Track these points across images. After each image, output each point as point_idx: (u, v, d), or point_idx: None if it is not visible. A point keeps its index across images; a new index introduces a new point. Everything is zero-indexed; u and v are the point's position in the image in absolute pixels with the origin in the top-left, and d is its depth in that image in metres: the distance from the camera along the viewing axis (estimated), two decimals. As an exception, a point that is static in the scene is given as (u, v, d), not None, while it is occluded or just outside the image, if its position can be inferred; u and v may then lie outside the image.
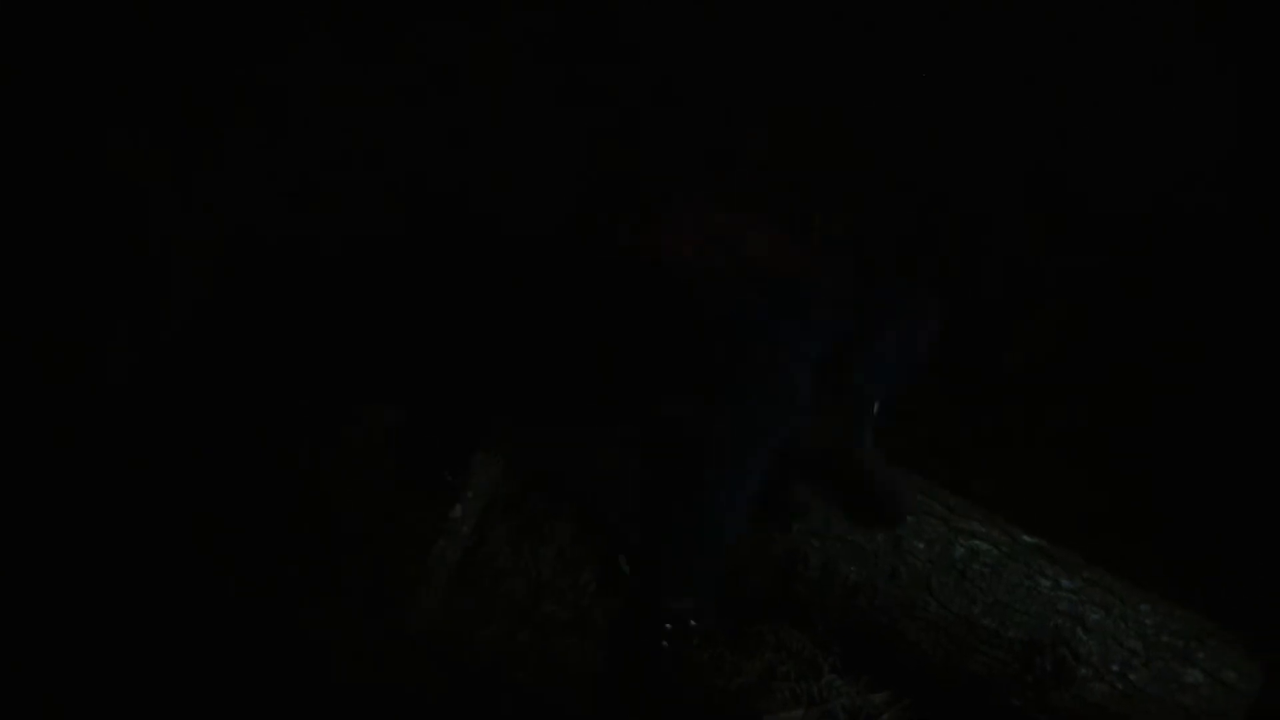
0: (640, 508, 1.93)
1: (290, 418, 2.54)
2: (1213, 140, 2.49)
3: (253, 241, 2.61)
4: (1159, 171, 2.52)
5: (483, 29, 2.87)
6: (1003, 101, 2.68)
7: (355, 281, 2.58)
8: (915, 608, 1.94)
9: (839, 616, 2.01)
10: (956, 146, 2.74)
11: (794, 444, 1.78)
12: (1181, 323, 2.50)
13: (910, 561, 1.96)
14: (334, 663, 2.17)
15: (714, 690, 2.08)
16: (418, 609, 2.25)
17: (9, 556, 2.16)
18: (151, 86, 2.75)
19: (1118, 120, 2.58)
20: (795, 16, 2.78)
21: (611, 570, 2.25)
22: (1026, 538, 1.99)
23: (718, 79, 2.82)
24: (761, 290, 1.87)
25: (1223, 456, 2.30)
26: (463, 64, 2.89)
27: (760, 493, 1.79)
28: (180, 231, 2.59)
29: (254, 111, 2.79)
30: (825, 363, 1.78)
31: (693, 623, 1.94)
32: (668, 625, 1.85)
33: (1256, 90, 2.44)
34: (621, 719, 2.03)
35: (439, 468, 2.37)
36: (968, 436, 2.47)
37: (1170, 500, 2.31)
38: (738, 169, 2.82)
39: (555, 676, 2.18)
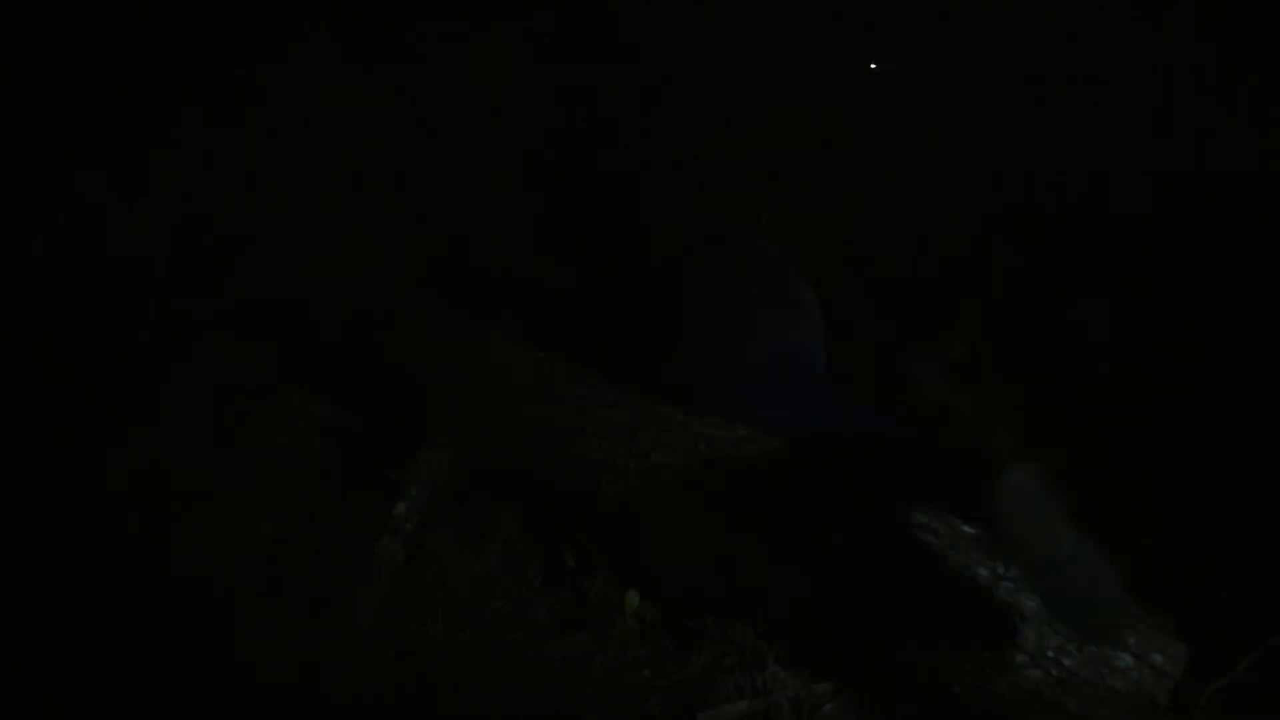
0: None
1: (231, 410, 2.50)
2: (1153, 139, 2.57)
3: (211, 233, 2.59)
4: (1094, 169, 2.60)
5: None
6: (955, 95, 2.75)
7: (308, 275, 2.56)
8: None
9: (783, 608, 2.03)
10: (912, 147, 2.80)
11: None
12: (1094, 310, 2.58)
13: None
14: (276, 663, 2.13)
15: (660, 683, 2.08)
16: (361, 608, 2.22)
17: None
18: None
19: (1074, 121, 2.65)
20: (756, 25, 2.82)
21: (557, 564, 2.24)
22: (966, 528, 2.01)
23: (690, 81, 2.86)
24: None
25: (1153, 444, 2.37)
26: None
27: None
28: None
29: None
30: None
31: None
32: None
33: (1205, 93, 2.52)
34: (567, 715, 2.03)
35: (382, 464, 2.35)
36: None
37: (1106, 489, 2.37)
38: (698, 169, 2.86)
39: (501, 674, 2.16)
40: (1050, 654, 1.86)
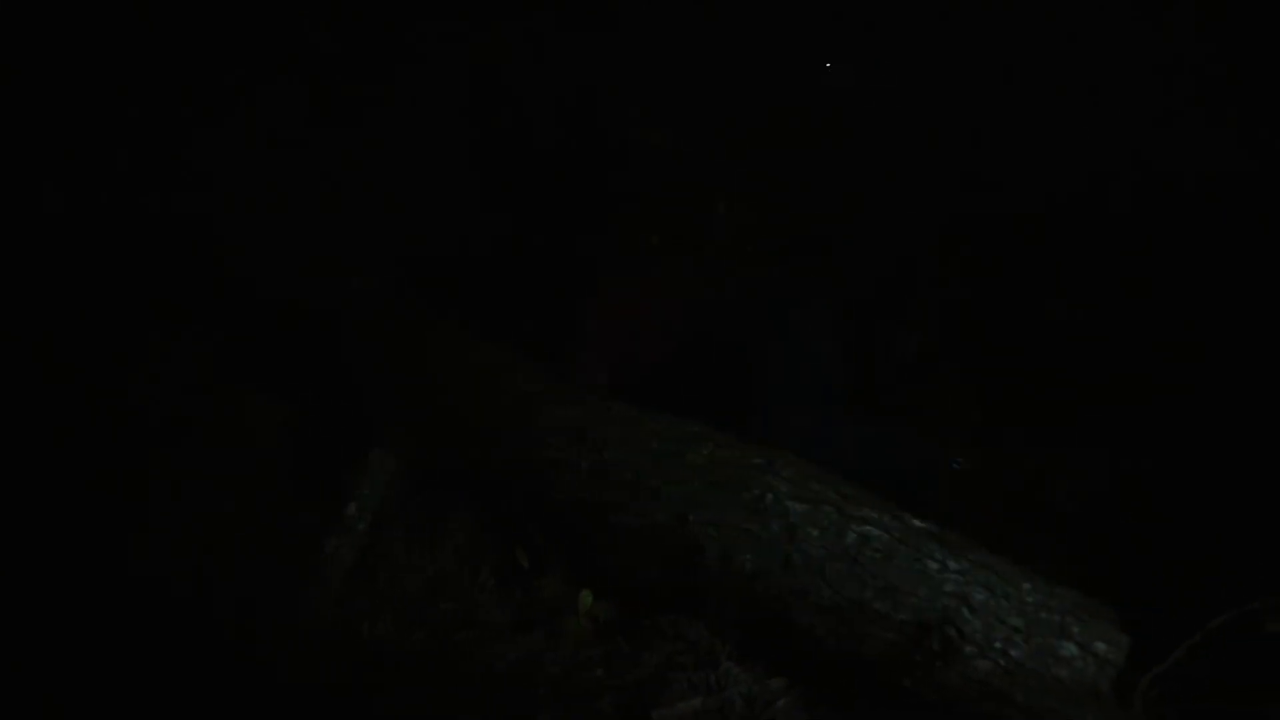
0: None
1: (180, 408, 2.45)
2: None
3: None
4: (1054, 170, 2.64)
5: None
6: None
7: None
8: (810, 594, 1.97)
9: (736, 605, 2.03)
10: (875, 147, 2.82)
11: None
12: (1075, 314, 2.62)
13: (804, 549, 1.98)
14: (225, 660, 2.09)
15: (613, 682, 2.07)
16: (311, 608, 2.18)
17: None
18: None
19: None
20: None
21: (510, 564, 2.22)
22: (916, 522, 2.03)
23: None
24: None
25: (1103, 443, 2.42)
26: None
27: None
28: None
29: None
30: None
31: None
32: None
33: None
34: (520, 715, 2.01)
35: (334, 463, 2.31)
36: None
37: (1057, 485, 2.42)
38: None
39: (454, 673, 2.13)
40: (998, 645, 1.89)
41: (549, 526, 2.19)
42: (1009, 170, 2.73)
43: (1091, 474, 2.36)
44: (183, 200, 2.60)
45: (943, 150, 2.80)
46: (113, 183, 2.66)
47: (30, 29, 2.70)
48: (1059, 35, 2.67)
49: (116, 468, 2.34)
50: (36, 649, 2.03)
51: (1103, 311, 2.60)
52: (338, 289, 2.41)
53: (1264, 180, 2.41)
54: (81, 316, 2.53)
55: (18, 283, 2.53)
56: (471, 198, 2.92)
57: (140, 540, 2.24)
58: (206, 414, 2.45)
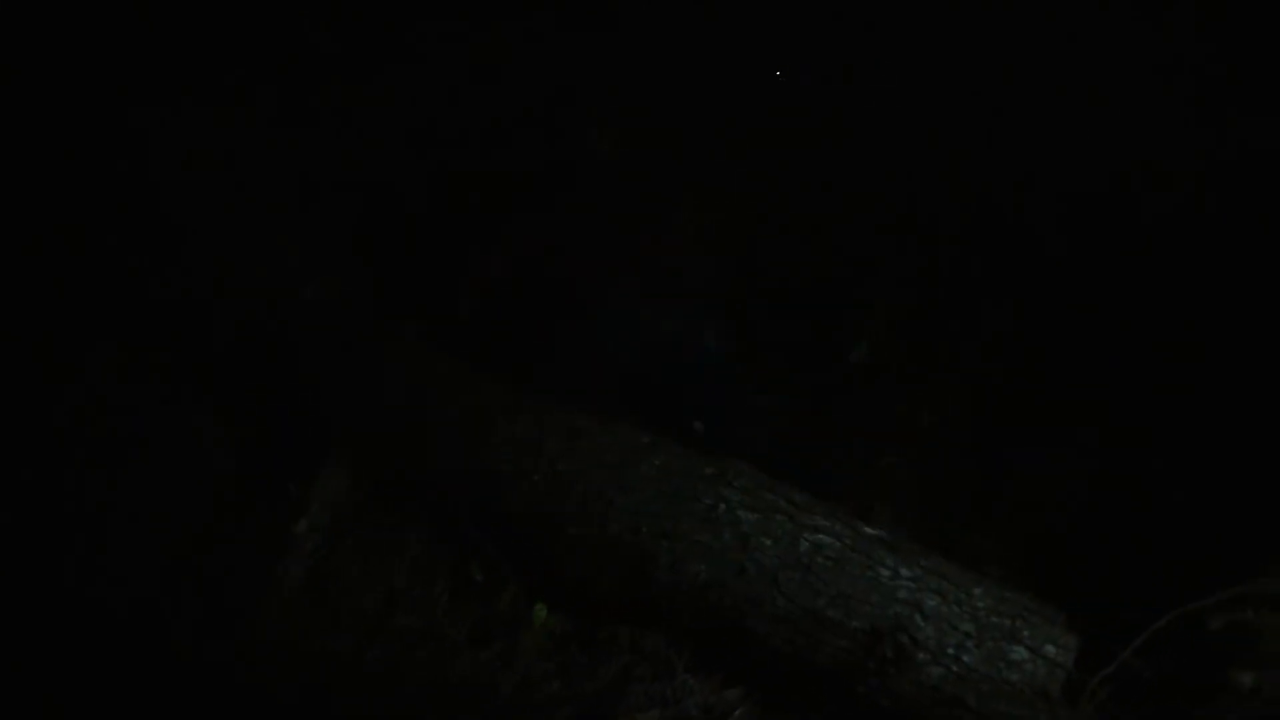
0: None
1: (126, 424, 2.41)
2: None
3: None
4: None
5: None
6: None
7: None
8: (764, 603, 1.97)
9: (691, 615, 2.03)
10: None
11: None
12: (1031, 312, 2.63)
13: (757, 558, 1.98)
14: (176, 680, 2.06)
15: (571, 694, 2.07)
16: (262, 627, 2.15)
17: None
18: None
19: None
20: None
21: (464, 579, 2.20)
22: (869, 529, 2.04)
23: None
24: None
25: (1054, 446, 2.43)
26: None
27: None
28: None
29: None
30: None
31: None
32: None
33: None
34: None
35: (283, 479, 2.28)
36: (820, 429, 2.54)
37: (1010, 486, 2.43)
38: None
39: (410, 689, 2.12)
40: (950, 651, 1.90)
41: (503, 540, 2.17)
42: (982, 169, 2.72)
43: (1041, 475, 2.37)
44: (146, 202, 2.54)
45: (914, 148, 2.79)
46: (68, 181, 2.59)
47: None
48: (1035, 32, 2.66)
49: (62, 486, 2.29)
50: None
51: (1056, 313, 2.61)
52: (291, 299, 2.37)
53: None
54: (26, 326, 2.47)
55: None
56: (430, 202, 2.89)
57: (88, 560, 2.19)
58: (154, 429, 2.41)
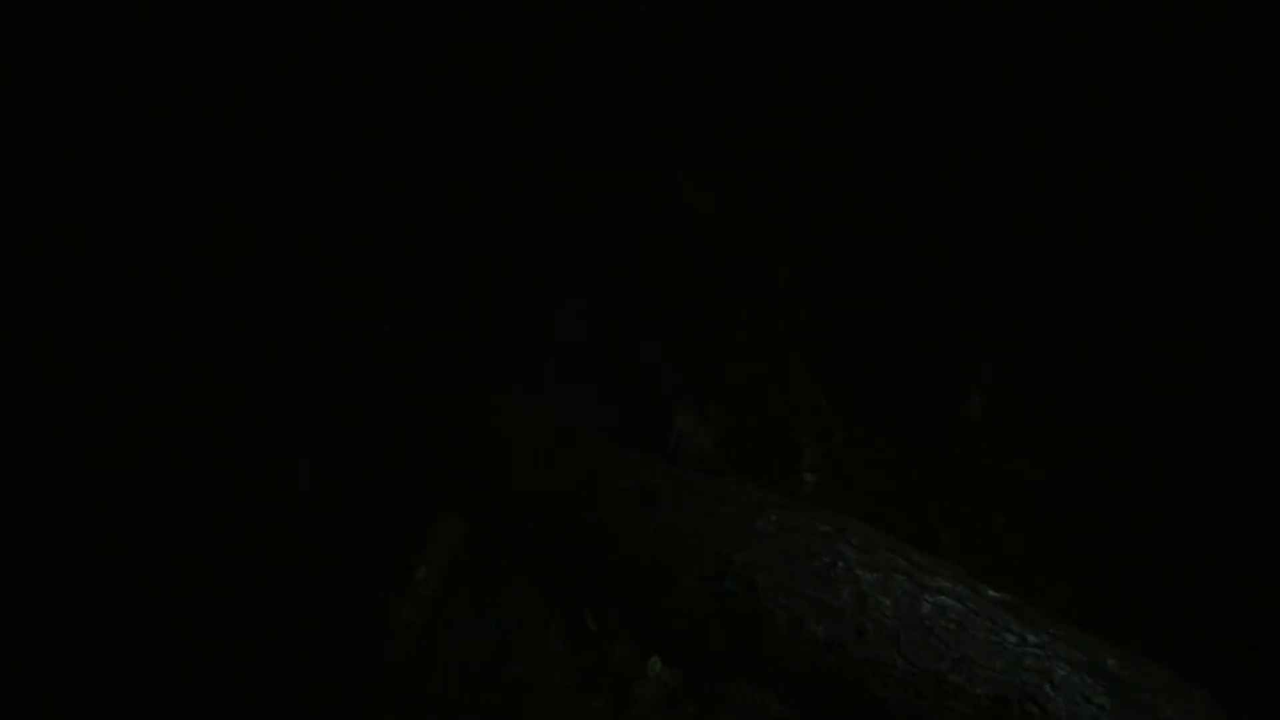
0: None
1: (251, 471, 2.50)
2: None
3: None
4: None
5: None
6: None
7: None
8: (884, 665, 1.93)
9: (807, 675, 2.00)
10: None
11: None
12: (1146, 365, 2.53)
13: (877, 618, 1.94)
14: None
15: (682, 751, 2.05)
16: (382, 672, 2.20)
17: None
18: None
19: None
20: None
21: (578, 628, 2.22)
22: (992, 593, 1.98)
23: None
24: None
25: (1194, 507, 2.32)
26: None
27: None
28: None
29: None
30: None
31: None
32: None
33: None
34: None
35: (400, 528, 2.34)
36: (932, 487, 2.48)
37: (1140, 551, 2.33)
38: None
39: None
40: (1082, 723, 1.82)
41: (616, 591, 2.18)
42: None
43: (1165, 539, 2.27)
44: (272, 257, 2.64)
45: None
46: (191, 237, 2.72)
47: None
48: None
49: (184, 531, 2.38)
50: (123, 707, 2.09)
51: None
52: (406, 355, 2.45)
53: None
54: (146, 379, 2.58)
55: (85, 337, 2.59)
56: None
57: (209, 606, 2.27)
58: (272, 477, 2.49)
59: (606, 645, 2.18)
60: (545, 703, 2.17)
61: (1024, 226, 2.70)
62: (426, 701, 2.16)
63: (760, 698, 2.06)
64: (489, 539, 2.30)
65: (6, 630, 2.15)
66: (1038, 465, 2.52)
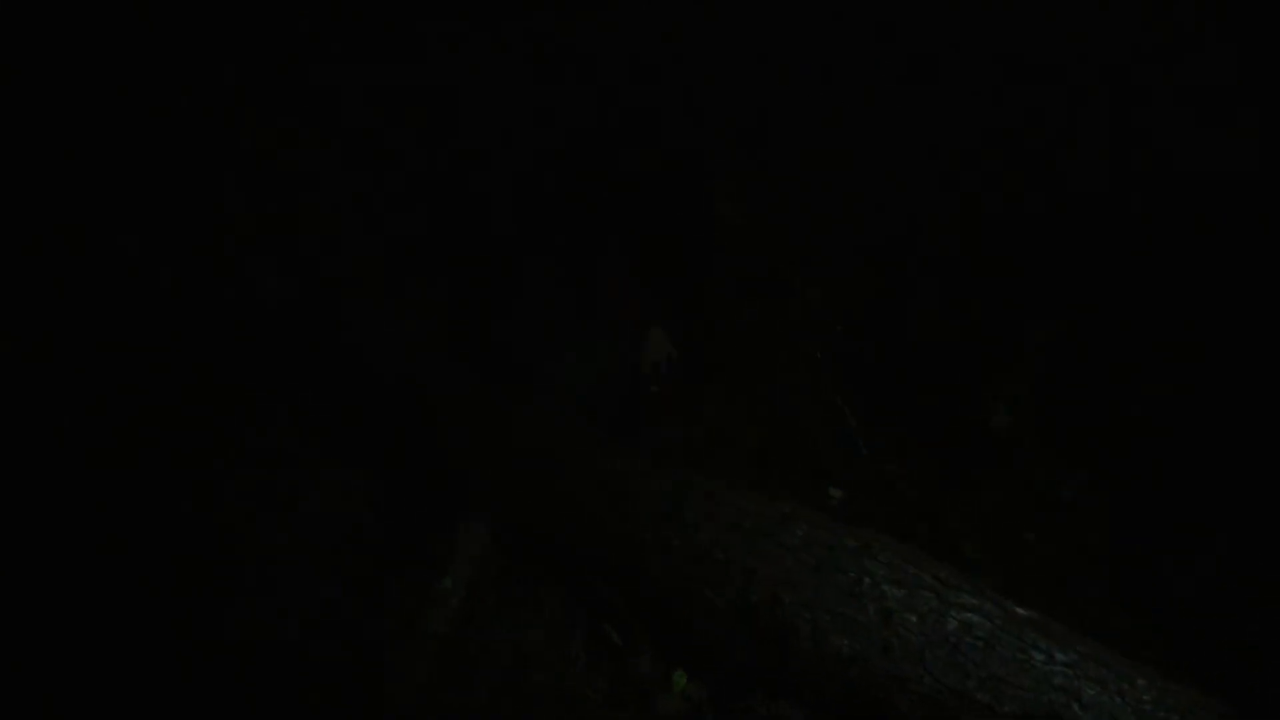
0: None
1: (281, 481, 2.52)
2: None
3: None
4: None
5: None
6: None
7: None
8: (909, 682, 1.92)
9: (832, 690, 1.99)
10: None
11: None
12: (1170, 380, 2.51)
13: (903, 634, 1.94)
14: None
15: (705, 765, 2.05)
16: (406, 680, 2.21)
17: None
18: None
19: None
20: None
21: (601, 640, 2.22)
22: (1019, 610, 1.97)
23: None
24: None
25: (1222, 525, 2.29)
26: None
27: None
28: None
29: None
30: None
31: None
32: None
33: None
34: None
35: (427, 536, 2.35)
36: (956, 500, 2.47)
37: (1168, 568, 2.30)
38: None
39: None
40: (1111, 744, 1.81)
41: (640, 604, 2.18)
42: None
43: (1196, 557, 2.24)
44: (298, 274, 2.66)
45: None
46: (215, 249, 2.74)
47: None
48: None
49: (205, 541, 2.40)
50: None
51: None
52: (435, 368, 2.47)
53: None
54: (176, 382, 2.61)
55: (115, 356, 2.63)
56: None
57: (232, 613, 2.29)
58: (297, 484, 2.51)
59: (630, 658, 2.18)
60: (569, 713, 2.17)
61: (1053, 236, 2.68)
62: (446, 709, 2.16)
63: (785, 713, 2.05)
64: (513, 548, 2.31)
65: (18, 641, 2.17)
66: (1067, 480, 2.50)
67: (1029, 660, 1.89)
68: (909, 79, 2.83)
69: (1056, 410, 2.57)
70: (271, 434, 2.58)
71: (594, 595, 2.23)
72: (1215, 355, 2.46)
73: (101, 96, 2.73)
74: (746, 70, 2.93)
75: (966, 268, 2.74)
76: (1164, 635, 2.20)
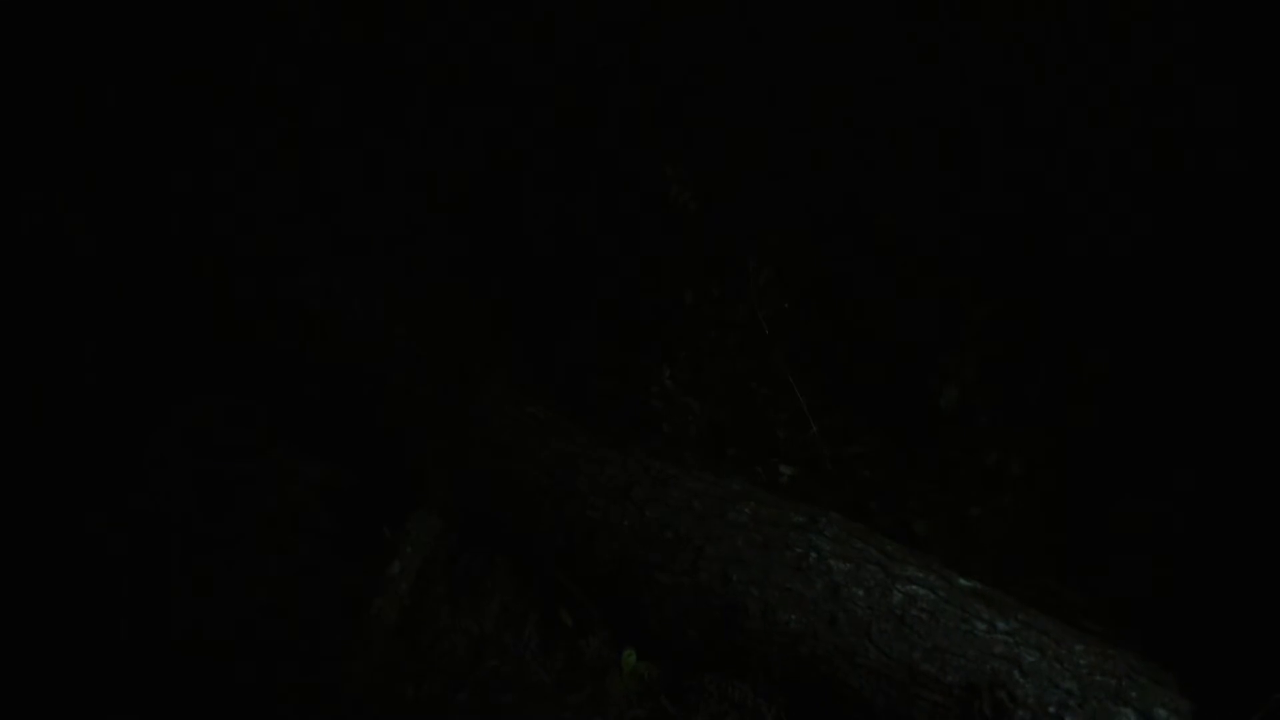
0: None
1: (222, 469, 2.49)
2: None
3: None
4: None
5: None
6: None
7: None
8: (856, 654, 1.94)
9: (781, 665, 2.01)
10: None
11: None
12: (1116, 358, 2.55)
13: (850, 608, 1.96)
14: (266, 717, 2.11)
15: (658, 744, 2.06)
16: (354, 669, 2.20)
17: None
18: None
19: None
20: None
21: (554, 623, 2.22)
22: (963, 581, 2.00)
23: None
24: None
25: (1160, 492, 2.34)
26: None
27: None
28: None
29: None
30: None
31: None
32: None
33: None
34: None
35: (375, 523, 2.34)
36: (905, 477, 2.50)
37: (1106, 538, 2.35)
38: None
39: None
40: (1051, 710, 1.85)
41: (592, 586, 2.18)
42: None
43: (1138, 526, 2.29)
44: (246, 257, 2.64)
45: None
46: (163, 227, 2.72)
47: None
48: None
49: (154, 529, 2.37)
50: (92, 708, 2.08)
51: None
52: (384, 349, 2.44)
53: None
54: (118, 376, 2.58)
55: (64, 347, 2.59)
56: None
57: (183, 603, 2.26)
58: (247, 474, 2.49)
59: (581, 640, 2.18)
60: (522, 698, 2.17)
61: (1002, 224, 2.71)
62: (400, 697, 2.15)
63: (736, 690, 2.07)
64: (466, 534, 2.30)
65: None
66: (1013, 458, 2.54)
67: (972, 630, 1.93)
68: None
69: (1003, 390, 2.61)
70: (223, 423, 2.56)
71: (546, 579, 2.23)
72: (1159, 333, 2.51)
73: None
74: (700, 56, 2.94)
75: (918, 256, 2.77)
76: (1107, 606, 2.24)
